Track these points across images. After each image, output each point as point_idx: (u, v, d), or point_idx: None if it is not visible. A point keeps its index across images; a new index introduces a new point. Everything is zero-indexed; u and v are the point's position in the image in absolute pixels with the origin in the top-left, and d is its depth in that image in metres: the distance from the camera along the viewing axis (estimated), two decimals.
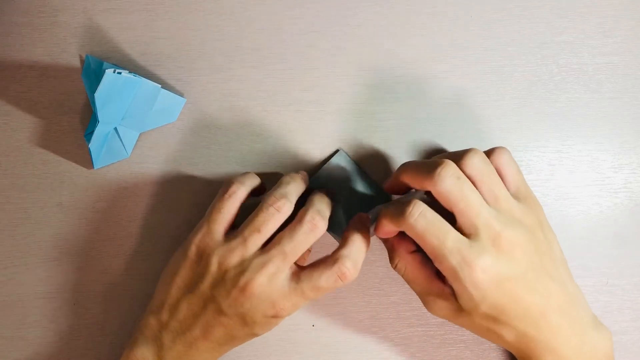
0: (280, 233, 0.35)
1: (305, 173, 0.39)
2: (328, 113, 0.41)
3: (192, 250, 0.36)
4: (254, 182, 0.38)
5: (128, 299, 0.41)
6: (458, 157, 0.34)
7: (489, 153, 0.36)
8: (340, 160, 0.40)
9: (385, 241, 0.38)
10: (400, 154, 0.41)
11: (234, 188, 0.36)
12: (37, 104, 0.41)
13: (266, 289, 0.34)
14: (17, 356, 0.41)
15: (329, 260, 0.34)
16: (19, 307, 0.41)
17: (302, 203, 0.37)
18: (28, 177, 0.41)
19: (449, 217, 0.33)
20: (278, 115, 0.41)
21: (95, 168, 0.40)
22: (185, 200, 0.41)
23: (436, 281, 0.35)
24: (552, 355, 0.34)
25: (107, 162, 0.40)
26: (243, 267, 0.34)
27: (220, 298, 0.34)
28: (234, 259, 0.34)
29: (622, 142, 0.42)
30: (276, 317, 0.35)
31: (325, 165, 0.40)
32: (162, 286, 0.37)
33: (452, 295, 0.34)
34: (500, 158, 0.36)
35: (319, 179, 0.40)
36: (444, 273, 0.33)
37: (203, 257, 0.35)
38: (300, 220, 0.34)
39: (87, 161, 0.41)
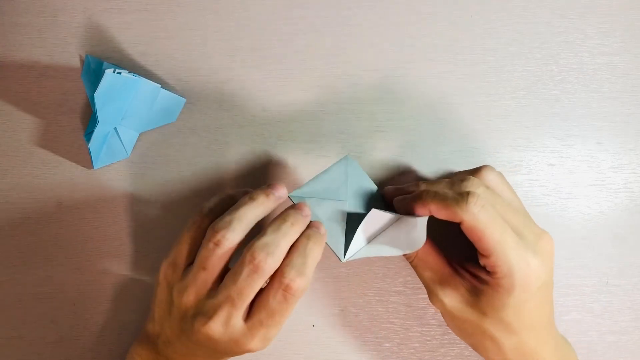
0: (227, 275, 0.32)
1: (278, 188, 0.34)
2: (328, 113, 0.41)
3: (162, 278, 0.35)
4: (223, 206, 0.35)
5: (128, 299, 0.41)
6: (475, 172, 0.35)
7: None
8: (347, 167, 0.37)
9: None
10: (400, 154, 0.41)
11: (195, 219, 0.34)
12: (37, 104, 0.41)
13: (225, 333, 0.32)
14: (17, 356, 0.41)
15: (270, 282, 0.32)
16: (19, 307, 0.41)
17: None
18: (28, 177, 0.41)
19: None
20: (278, 115, 0.41)
21: (95, 168, 0.40)
22: (185, 200, 0.41)
23: (448, 268, 0.35)
24: None
25: (107, 162, 0.40)
26: (197, 309, 0.32)
27: (188, 333, 0.33)
28: (190, 297, 0.33)
29: (622, 142, 0.42)
30: (249, 351, 0.33)
31: (330, 168, 0.37)
32: (152, 300, 0.36)
33: (465, 287, 0.34)
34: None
35: (322, 181, 0.36)
36: (496, 269, 0.32)
37: (168, 287, 0.34)
38: (242, 262, 0.31)
39: (87, 161, 0.41)
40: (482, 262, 0.33)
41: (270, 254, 0.31)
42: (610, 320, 0.41)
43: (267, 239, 0.31)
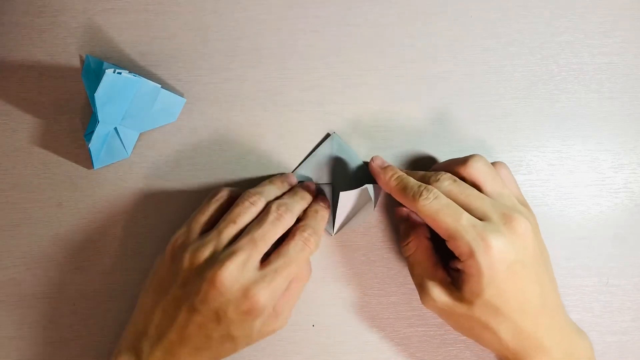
0: (249, 225, 0.36)
1: (290, 176, 0.40)
2: (328, 113, 0.41)
3: (169, 250, 0.36)
4: (239, 193, 0.38)
5: (128, 299, 0.41)
6: (462, 161, 0.37)
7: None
8: (333, 144, 0.41)
9: (404, 219, 0.40)
10: (400, 154, 0.41)
11: (222, 193, 0.38)
12: (37, 104, 0.41)
13: (237, 278, 0.33)
14: (17, 356, 0.41)
15: (289, 236, 0.36)
16: (19, 307, 0.41)
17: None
18: (28, 177, 0.41)
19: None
20: (278, 115, 0.41)
21: (95, 168, 0.40)
22: (186, 200, 0.41)
23: (440, 268, 0.36)
24: (545, 357, 0.35)
25: (107, 162, 0.40)
26: (212, 259, 0.34)
27: (192, 295, 0.34)
28: (206, 252, 0.34)
29: (622, 142, 0.42)
30: (251, 311, 0.34)
31: (317, 150, 0.41)
32: (141, 293, 0.37)
33: (449, 282, 0.36)
34: (500, 171, 0.38)
35: (311, 163, 0.41)
36: (459, 252, 0.34)
37: (177, 256, 0.35)
38: (267, 211, 0.36)
39: (87, 161, 0.41)
40: (449, 246, 0.35)
41: (290, 211, 0.36)
42: (610, 320, 0.41)
43: (285, 200, 0.37)
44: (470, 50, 0.42)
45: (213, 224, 0.37)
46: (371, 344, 0.41)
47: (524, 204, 0.37)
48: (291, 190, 0.39)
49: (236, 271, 0.33)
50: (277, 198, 0.38)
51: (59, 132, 0.41)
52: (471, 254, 0.33)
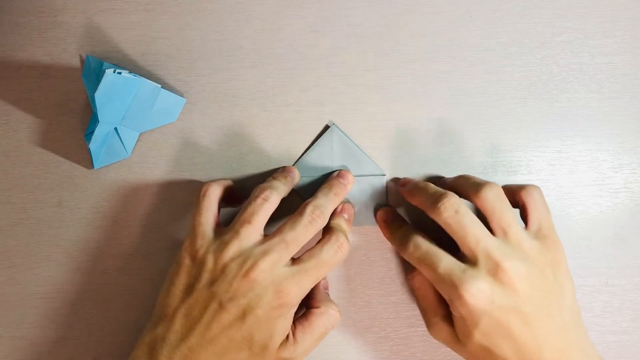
0: (281, 224, 0.36)
1: (292, 170, 0.40)
2: (328, 113, 0.41)
3: (184, 256, 0.35)
4: (226, 182, 0.39)
5: (128, 299, 0.41)
6: (475, 188, 0.36)
7: (519, 188, 0.37)
8: (333, 136, 0.41)
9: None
10: (400, 155, 0.41)
11: (205, 187, 0.37)
12: (37, 104, 0.41)
13: (269, 275, 0.33)
14: (17, 356, 0.41)
15: (324, 237, 0.36)
16: (19, 307, 0.41)
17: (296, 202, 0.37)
18: (28, 177, 0.41)
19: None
20: (278, 115, 0.41)
21: (95, 168, 0.40)
22: (185, 200, 0.41)
23: (443, 306, 0.37)
24: None
25: (107, 162, 0.40)
26: (244, 256, 0.34)
27: (221, 292, 0.33)
28: (230, 251, 0.34)
29: (622, 142, 0.42)
30: (281, 306, 0.33)
31: (317, 142, 0.41)
32: (159, 301, 0.36)
33: (449, 320, 0.36)
34: (528, 195, 0.36)
35: (312, 156, 0.41)
36: (444, 296, 0.35)
37: (197, 259, 0.35)
38: (301, 213, 0.36)
39: (87, 161, 0.41)
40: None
41: (323, 214, 0.36)
42: (610, 320, 0.41)
43: (320, 201, 0.37)
44: (470, 50, 0.42)
45: (217, 219, 0.37)
46: (371, 344, 0.41)
47: (547, 235, 0.36)
48: (328, 184, 0.39)
49: (268, 269, 0.34)
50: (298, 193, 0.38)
51: (59, 132, 0.41)
52: (450, 301, 0.34)
